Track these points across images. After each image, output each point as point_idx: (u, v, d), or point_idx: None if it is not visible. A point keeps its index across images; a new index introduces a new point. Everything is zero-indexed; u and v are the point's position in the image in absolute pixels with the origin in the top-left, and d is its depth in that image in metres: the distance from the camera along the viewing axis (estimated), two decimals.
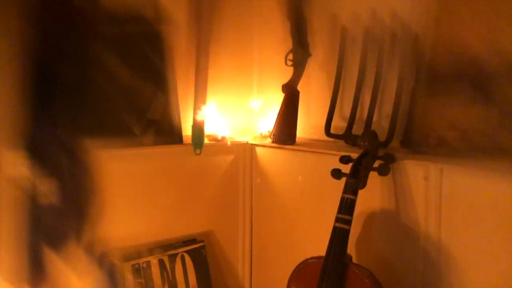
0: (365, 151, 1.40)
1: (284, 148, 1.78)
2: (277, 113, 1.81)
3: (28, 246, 1.36)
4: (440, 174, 1.32)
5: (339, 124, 1.68)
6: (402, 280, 1.41)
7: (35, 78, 1.37)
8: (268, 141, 1.86)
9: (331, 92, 1.69)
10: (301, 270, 1.40)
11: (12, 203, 1.35)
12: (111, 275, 1.51)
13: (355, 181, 1.34)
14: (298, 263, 1.41)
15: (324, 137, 1.69)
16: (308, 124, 1.85)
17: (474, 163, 1.28)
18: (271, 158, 1.86)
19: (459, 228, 1.30)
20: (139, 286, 1.61)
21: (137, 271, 1.61)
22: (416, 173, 1.37)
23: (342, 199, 1.34)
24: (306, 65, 1.77)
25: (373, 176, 1.38)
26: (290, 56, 1.78)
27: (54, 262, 1.39)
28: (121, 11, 1.61)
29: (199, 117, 1.77)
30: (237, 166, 1.92)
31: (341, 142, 1.65)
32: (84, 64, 1.50)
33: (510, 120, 1.26)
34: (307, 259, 1.39)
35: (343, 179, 1.38)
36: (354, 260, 1.41)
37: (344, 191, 1.35)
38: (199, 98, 1.78)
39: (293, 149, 1.75)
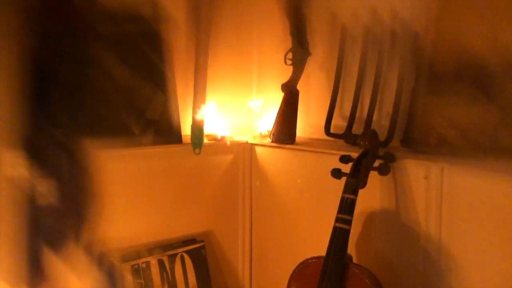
0: (365, 150, 1.40)
1: (284, 148, 1.78)
2: (276, 113, 1.81)
3: (27, 247, 1.36)
4: (441, 173, 1.32)
5: (339, 123, 1.68)
6: (402, 280, 1.41)
7: (33, 78, 1.37)
8: (268, 140, 1.86)
9: (331, 91, 1.69)
10: (301, 270, 1.39)
11: (11, 203, 1.35)
12: (111, 275, 1.51)
13: (355, 181, 1.34)
14: (298, 263, 1.40)
15: (324, 136, 1.69)
16: (308, 123, 1.85)
17: (475, 163, 1.28)
18: (271, 157, 1.86)
19: (460, 227, 1.29)
20: (139, 286, 1.60)
21: (136, 271, 1.61)
22: (417, 172, 1.37)
23: (342, 199, 1.34)
24: (306, 64, 1.77)
25: (373, 176, 1.38)
26: (290, 55, 1.77)
27: (53, 262, 1.39)
28: (120, 11, 1.60)
29: (199, 117, 1.76)
30: (237, 165, 1.91)
31: (341, 142, 1.65)
32: (83, 64, 1.50)
33: (511, 119, 1.26)
34: (307, 259, 1.39)
35: (343, 179, 1.38)
36: (354, 260, 1.40)
37: (344, 191, 1.34)
38: (199, 97, 1.77)
39: (292, 149, 1.75)
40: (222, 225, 1.89)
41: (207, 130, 1.82)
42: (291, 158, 1.77)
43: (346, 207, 1.33)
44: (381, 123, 1.58)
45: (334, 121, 1.68)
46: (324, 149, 1.62)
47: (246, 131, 2.00)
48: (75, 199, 1.45)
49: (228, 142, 1.87)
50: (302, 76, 1.78)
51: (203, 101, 1.78)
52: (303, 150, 1.71)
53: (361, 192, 1.35)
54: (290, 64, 1.77)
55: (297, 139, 1.78)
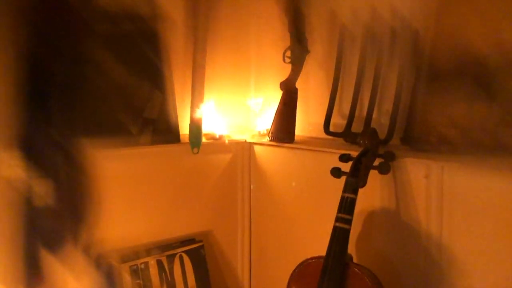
0: (365, 149, 1.39)
1: (283, 147, 1.77)
2: (275, 111, 1.80)
3: (24, 248, 1.35)
4: (441, 172, 1.31)
5: (338, 122, 1.67)
6: (403, 279, 1.41)
7: (29, 77, 1.36)
8: (267, 139, 1.85)
9: (330, 89, 1.68)
10: (301, 270, 1.39)
11: (8, 204, 1.34)
12: (109, 276, 1.50)
13: (355, 180, 1.34)
14: (298, 263, 1.40)
15: (323, 135, 1.69)
16: (307, 122, 1.84)
17: (476, 161, 1.27)
18: (270, 156, 1.85)
19: (461, 226, 1.29)
20: (137, 287, 1.60)
21: (135, 272, 1.60)
22: (417, 171, 1.36)
23: (342, 198, 1.34)
24: (305, 62, 1.76)
25: (373, 175, 1.38)
26: (288, 53, 1.76)
27: (51, 264, 1.38)
28: (116, 9, 1.60)
29: (197, 116, 1.76)
30: (236, 164, 1.91)
31: (340, 140, 1.65)
32: (80, 63, 1.49)
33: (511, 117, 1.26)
34: (307, 259, 1.39)
35: (343, 178, 1.38)
36: (355, 259, 1.40)
37: (344, 190, 1.34)
38: (197, 96, 1.76)
39: (291, 148, 1.75)
40: (221, 225, 1.89)
41: (205, 129, 1.81)
42: (290, 157, 1.77)
43: (346, 206, 1.32)
44: (381, 121, 1.58)
45: (333, 120, 1.68)
46: (324, 148, 1.61)
47: (245, 130, 1.99)
48: (72, 199, 1.45)
49: (226, 141, 1.86)
50: (301, 74, 1.77)
51: (201, 99, 1.78)
52: (302, 149, 1.70)
53: (361, 191, 1.35)
54: (289, 62, 1.77)
55: (296, 137, 1.78)
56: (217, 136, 1.85)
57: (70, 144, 1.44)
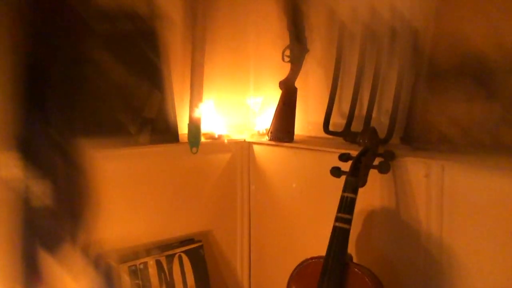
0: (365, 148, 1.39)
1: (282, 146, 1.77)
2: (274, 110, 1.80)
3: (22, 249, 1.35)
4: (442, 171, 1.31)
5: (337, 121, 1.67)
6: (403, 279, 1.40)
7: (27, 77, 1.35)
8: (266, 138, 1.84)
9: (330, 88, 1.68)
10: (301, 271, 1.39)
11: (5, 205, 1.33)
12: (108, 277, 1.50)
13: (355, 180, 1.33)
14: (297, 263, 1.40)
15: (323, 134, 1.68)
16: (306, 121, 1.84)
17: (476, 160, 1.27)
18: (269, 156, 1.85)
19: (461, 226, 1.29)
20: (136, 287, 1.59)
21: (134, 272, 1.59)
22: (417, 170, 1.36)
23: (342, 198, 1.33)
24: (304, 61, 1.76)
25: (373, 174, 1.37)
26: (287, 52, 1.76)
27: (49, 264, 1.38)
28: (114, 8, 1.59)
29: (196, 115, 1.75)
30: (235, 164, 1.90)
31: (340, 139, 1.64)
32: (78, 63, 1.49)
33: None
34: (307, 259, 1.38)
35: (343, 177, 1.37)
36: (355, 259, 1.40)
37: (344, 190, 1.34)
38: (195, 95, 1.76)
39: (291, 147, 1.74)
40: (220, 225, 1.88)
41: (204, 128, 1.81)
42: (289, 156, 1.76)
43: (346, 206, 1.32)
44: (381, 120, 1.58)
45: (333, 119, 1.67)
46: (323, 147, 1.61)
47: (244, 129, 1.99)
48: (70, 199, 1.44)
49: (225, 141, 1.86)
50: (300, 73, 1.76)
51: (200, 99, 1.77)
52: (302, 149, 1.70)
53: (361, 190, 1.34)
54: (288, 61, 1.76)
55: (295, 137, 1.77)
56: (216, 136, 1.84)
57: (68, 144, 1.43)
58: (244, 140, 1.91)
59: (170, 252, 1.68)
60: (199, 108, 1.76)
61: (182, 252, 1.70)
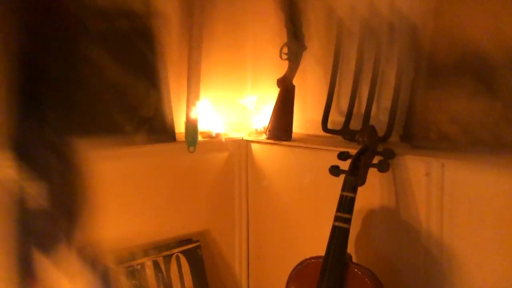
0: (364, 147, 1.38)
1: (280, 144, 1.76)
2: (272, 109, 1.79)
3: (17, 250, 1.34)
4: (442, 169, 1.30)
5: (336, 119, 1.67)
6: (403, 278, 1.40)
7: (22, 76, 1.34)
8: (264, 137, 1.84)
9: (328, 86, 1.67)
10: (300, 271, 1.38)
11: (0, 206, 1.32)
12: (105, 278, 1.49)
13: (354, 179, 1.33)
14: (296, 262, 1.39)
15: (321, 132, 1.67)
16: (305, 119, 1.83)
17: (477, 158, 1.27)
18: (267, 154, 1.84)
19: (461, 224, 1.28)
20: None
21: (131, 273, 1.59)
22: (417, 168, 1.35)
23: (341, 197, 1.33)
24: (302, 58, 1.75)
25: (372, 173, 1.37)
26: (285, 49, 1.75)
27: (45, 266, 1.37)
28: (110, 6, 1.58)
29: (193, 114, 1.74)
30: (232, 163, 1.89)
31: (338, 138, 1.64)
32: (73, 61, 1.48)
33: None
34: (306, 259, 1.38)
35: (342, 176, 1.37)
36: (354, 259, 1.40)
37: (343, 189, 1.33)
38: (192, 94, 1.75)
39: (289, 145, 1.73)
40: (218, 224, 1.88)
41: (202, 127, 1.80)
42: (287, 155, 1.75)
43: (345, 205, 1.32)
44: (380, 118, 1.57)
45: (331, 117, 1.66)
46: (322, 146, 1.60)
47: (242, 127, 1.98)
48: (66, 200, 1.44)
49: (223, 139, 1.85)
50: (298, 71, 1.76)
51: (197, 97, 1.76)
52: (300, 147, 1.69)
53: (360, 189, 1.34)
54: (286, 59, 1.75)
55: (293, 135, 1.77)
56: (214, 134, 1.83)
57: (64, 143, 1.42)
58: (242, 139, 1.90)
59: (168, 253, 1.68)
60: (196, 107, 1.75)
61: (179, 252, 1.70)
